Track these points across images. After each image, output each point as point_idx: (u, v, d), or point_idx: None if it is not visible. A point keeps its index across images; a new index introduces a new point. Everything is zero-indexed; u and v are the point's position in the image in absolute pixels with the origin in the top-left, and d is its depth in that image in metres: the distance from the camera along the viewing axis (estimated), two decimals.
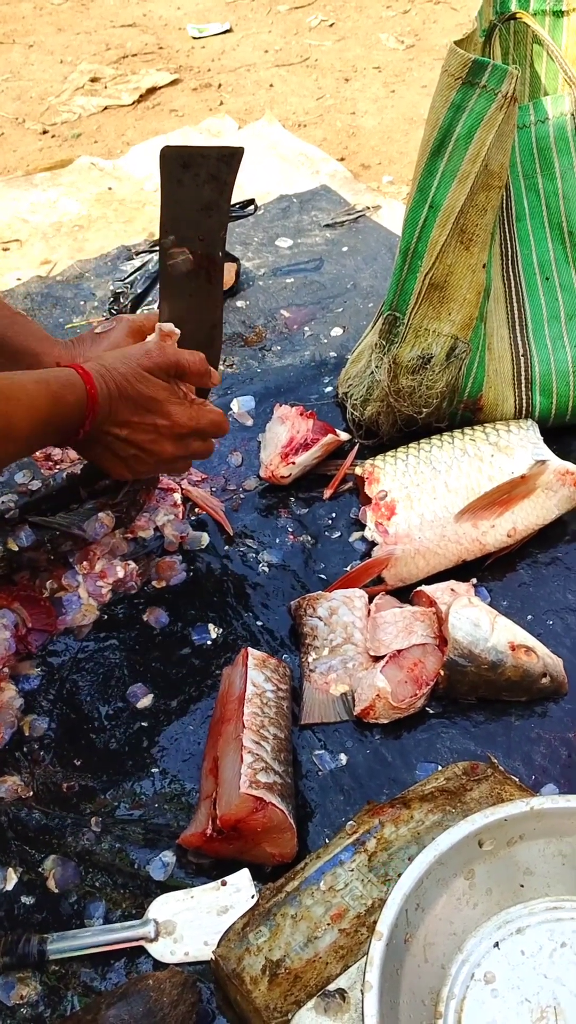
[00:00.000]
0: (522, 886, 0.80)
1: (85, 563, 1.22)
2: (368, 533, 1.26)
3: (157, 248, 1.76)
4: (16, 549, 1.18)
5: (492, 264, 1.33)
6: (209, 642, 1.19)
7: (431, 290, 1.28)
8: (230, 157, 1.06)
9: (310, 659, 1.14)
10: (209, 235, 1.10)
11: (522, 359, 1.35)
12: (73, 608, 1.19)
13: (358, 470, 1.31)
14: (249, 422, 1.49)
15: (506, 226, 1.34)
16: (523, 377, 1.35)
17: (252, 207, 1.88)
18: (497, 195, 1.25)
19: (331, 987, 0.74)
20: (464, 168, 1.21)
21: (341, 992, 0.73)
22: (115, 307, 1.69)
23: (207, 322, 1.17)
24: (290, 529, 1.32)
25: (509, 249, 1.35)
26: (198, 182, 1.06)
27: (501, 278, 1.35)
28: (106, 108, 2.60)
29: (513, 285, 1.36)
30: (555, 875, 0.80)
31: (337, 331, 1.67)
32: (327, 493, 1.36)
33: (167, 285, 1.14)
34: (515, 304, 1.36)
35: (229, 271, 1.70)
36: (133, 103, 2.61)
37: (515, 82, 1.18)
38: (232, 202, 1.15)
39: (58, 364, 1.10)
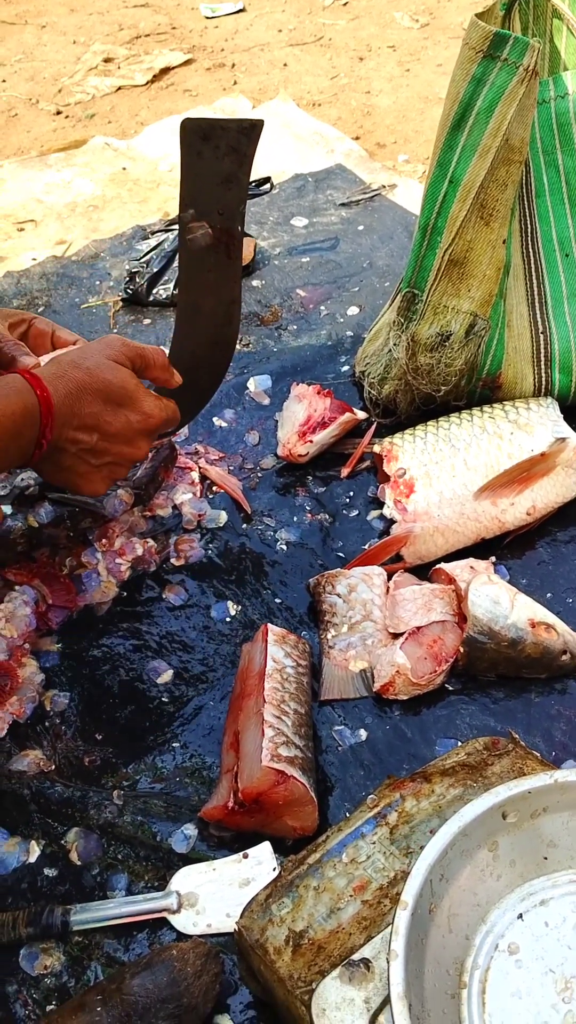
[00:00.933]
0: (546, 858, 0.80)
1: (104, 540, 1.22)
2: (387, 511, 1.26)
3: (172, 228, 1.76)
4: (36, 526, 1.18)
5: (512, 240, 1.32)
6: (228, 619, 1.19)
7: (450, 266, 1.27)
8: (250, 129, 1.05)
9: (329, 636, 1.14)
10: (228, 209, 1.10)
11: (541, 336, 1.34)
12: (92, 585, 1.20)
13: (376, 448, 1.31)
14: (266, 401, 1.49)
15: (525, 202, 1.33)
16: (542, 355, 1.35)
17: (268, 185, 1.87)
18: (517, 170, 1.24)
19: (355, 957, 0.74)
20: (485, 142, 1.20)
21: (365, 961, 0.74)
22: (131, 287, 1.69)
23: (226, 298, 1.16)
24: (308, 507, 1.32)
25: (528, 226, 1.34)
26: (218, 154, 1.05)
27: (521, 255, 1.34)
28: (120, 88, 2.59)
29: (533, 262, 1.35)
30: None
31: (353, 310, 1.66)
32: (345, 471, 1.36)
33: (186, 260, 1.14)
34: (535, 281, 1.35)
35: (247, 246, 1.69)
36: (147, 83, 2.60)
37: (536, 55, 1.17)
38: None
39: None
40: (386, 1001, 0.70)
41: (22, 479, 1.26)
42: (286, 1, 2.98)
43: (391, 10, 2.87)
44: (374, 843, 0.84)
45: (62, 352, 1.01)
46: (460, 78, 1.20)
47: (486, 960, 0.75)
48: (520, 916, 0.78)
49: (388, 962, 0.69)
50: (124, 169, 2.17)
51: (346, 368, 1.53)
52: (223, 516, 1.31)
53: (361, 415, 1.39)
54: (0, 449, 0.90)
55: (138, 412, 1.01)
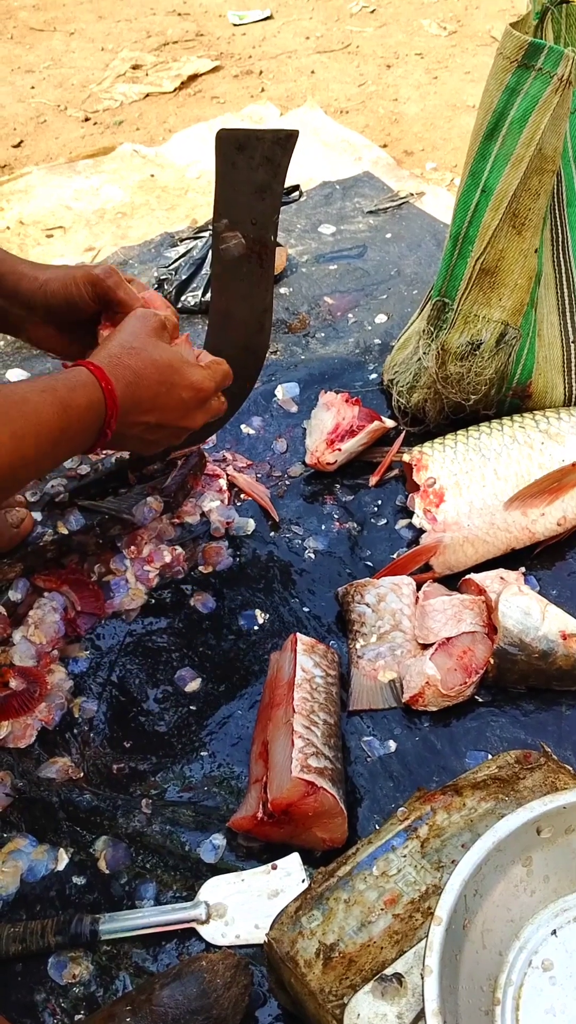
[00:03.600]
0: None
1: (133, 547, 1.22)
2: (416, 520, 1.25)
3: (200, 235, 1.76)
4: (66, 532, 1.19)
5: (543, 250, 1.31)
6: (256, 627, 1.19)
7: (482, 275, 1.27)
8: (285, 140, 1.06)
9: (358, 646, 1.13)
10: (262, 218, 1.10)
11: (572, 346, 1.34)
12: (121, 592, 1.20)
13: (406, 457, 1.31)
14: (294, 409, 1.48)
15: (557, 211, 1.33)
16: (573, 364, 1.34)
17: (297, 193, 1.87)
18: (550, 179, 1.23)
19: (388, 971, 0.74)
20: (518, 152, 1.20)
21: (398, 976, 0.73)
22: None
23: (258, 307, 1.16)
24: (336, 516, 1.32)
25: (560, 235, 1.34)
26: (252, 165, 1.06)
27: (552, 264, 1.33)
28: (147, 95, 2.60)
29: (564, 271, 1.34)
30: None
31: (381, 318, 1.66)
32: (373, 480, 1.36)
33: (219, 268, 1.14)
34: (566, 290, 1.34)
35: (279, 255, 1.69)
36: (174, 90, 2.61)
37: (571, 65, 1.17)
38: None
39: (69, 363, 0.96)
40: (419, 1016, 0.70)
41: (52, 486, 1.26)
42: (313, 8, 2.98)
43: (419, 17, 2.87)
44: (405, 856, 0.84)
45: (107, 335, 1.01)
46: (494, 88, 1.20)
47: (520, 976, 0.75)
48: (554, 932, 0.77)
49: (423, 978, 0.68)
50: (152, 176, 2.18)
51: (374, 376, 1.53)
52: (251, 524, 1.30)
53: (389, 423, 1.39)
54: (67, 440, 0.92)
55: (189, 387, 1.02)
